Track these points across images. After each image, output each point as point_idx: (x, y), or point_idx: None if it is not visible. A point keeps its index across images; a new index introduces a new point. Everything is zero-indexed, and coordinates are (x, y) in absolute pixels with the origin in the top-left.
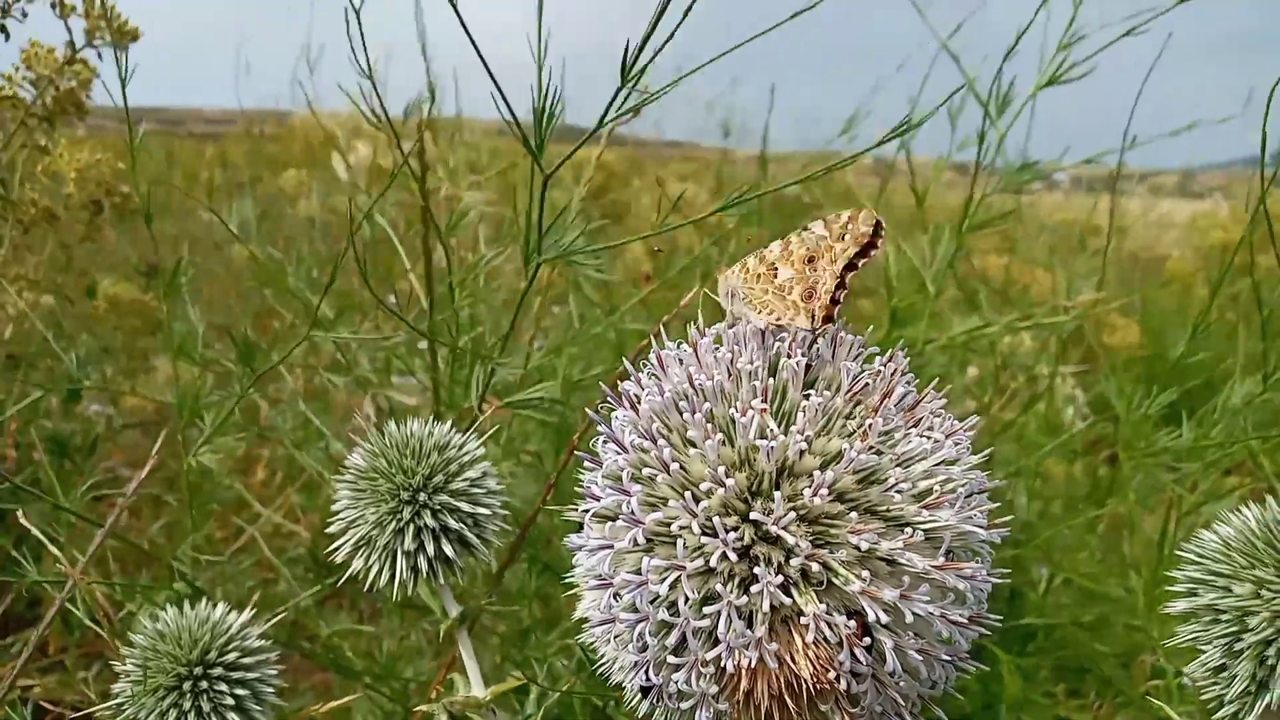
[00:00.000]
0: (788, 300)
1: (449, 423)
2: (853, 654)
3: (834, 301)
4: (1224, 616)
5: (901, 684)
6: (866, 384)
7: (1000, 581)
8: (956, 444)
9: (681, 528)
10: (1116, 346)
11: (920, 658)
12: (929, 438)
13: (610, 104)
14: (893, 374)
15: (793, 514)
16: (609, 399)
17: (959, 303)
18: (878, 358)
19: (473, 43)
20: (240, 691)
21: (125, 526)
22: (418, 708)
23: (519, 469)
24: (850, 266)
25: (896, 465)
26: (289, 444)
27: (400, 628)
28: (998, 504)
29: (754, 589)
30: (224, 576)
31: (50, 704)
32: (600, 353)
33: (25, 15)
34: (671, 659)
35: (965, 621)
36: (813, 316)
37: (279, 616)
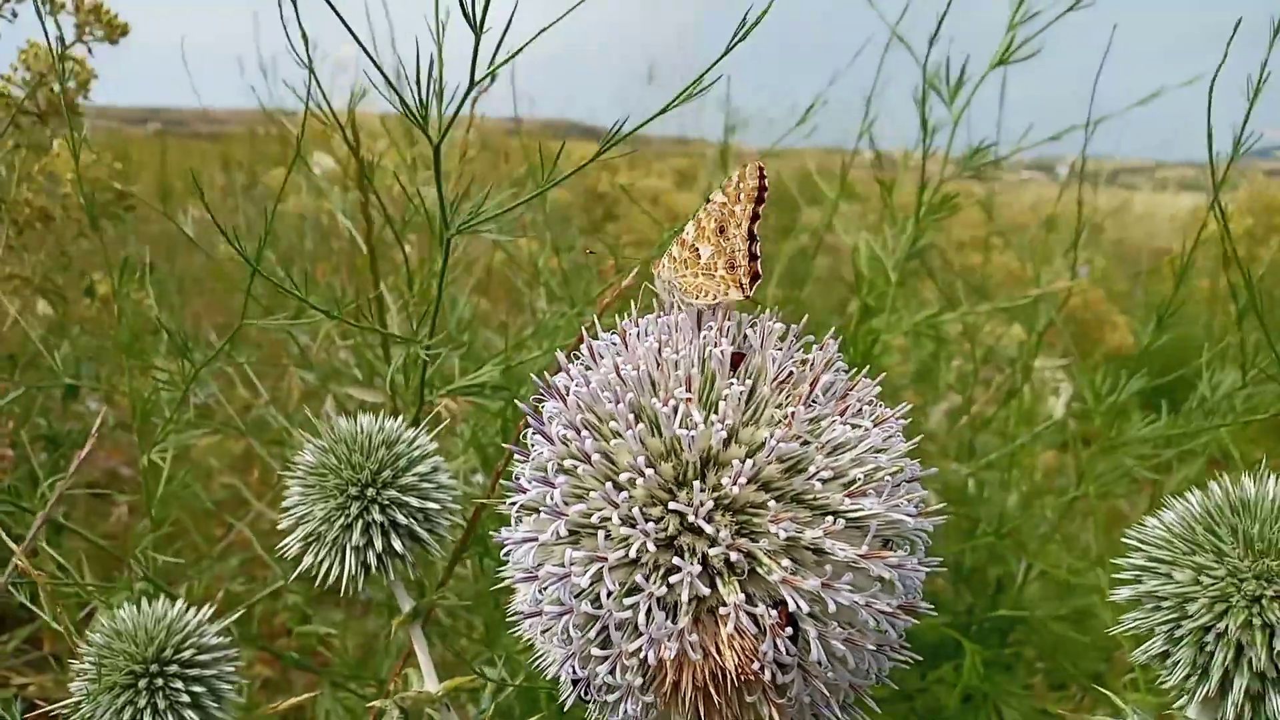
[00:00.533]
0: (716, 277)
1: (399, 417)
2: (776, 644)
3: (753, 258)
4: (1165, 603)
5: (830, 674)
6: (791, 373)
7: (934, 569)
8: (886, 432)
9: (603, 519)
10: (1115, 346)
11: (846, 647)
12: (856, 426)
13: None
14: (824, 363)
15: (712, 503)
16: (542, 392)
17: (941, 298)
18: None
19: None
20: (197, 688)
21: (124, 526)
22: (371, 703)
23: (480, 461)
24: (754, 217)
25: (824, 454)
26: (257, 443)
27: (389, 623)
28: (919, 489)
29: (673, 579)
30: (205, 573)
31: (44, 701)
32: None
33: (15, 15)
34: (596, 651)
35: (891, 610)
36: (741, 285)
37: (238, 613)
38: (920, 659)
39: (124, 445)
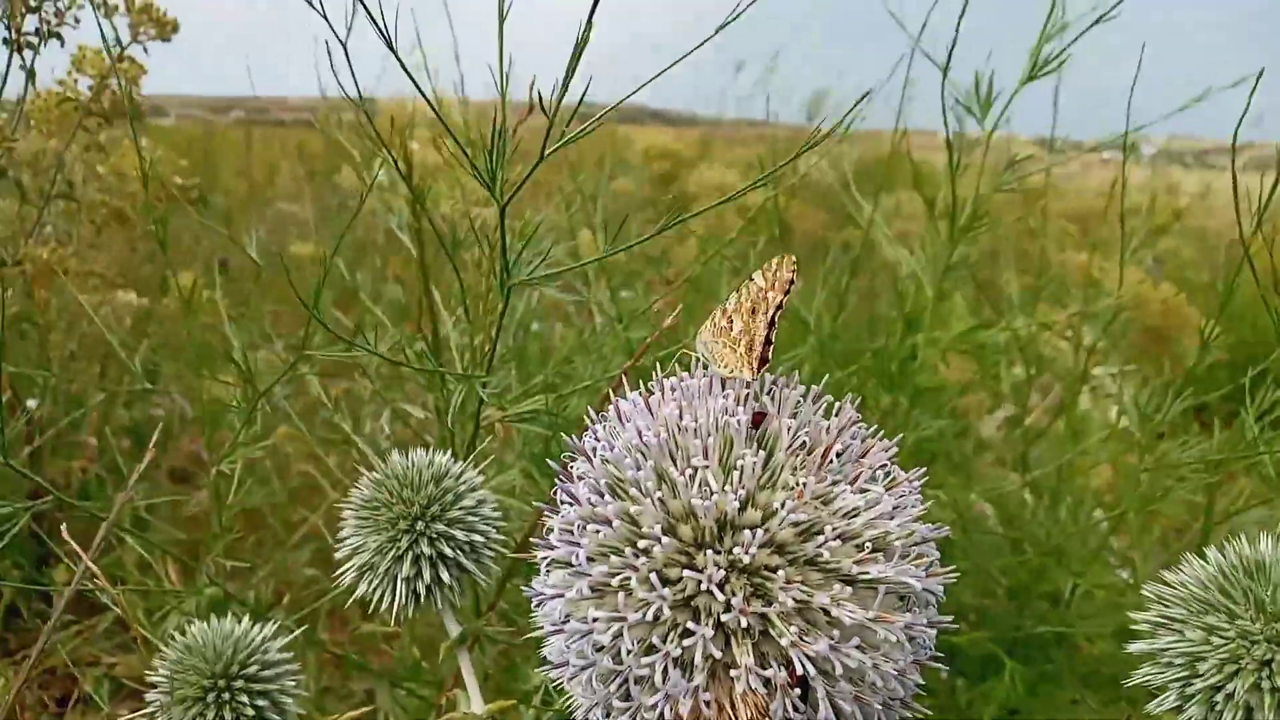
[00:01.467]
0: (738, 353)
1: (449, 450)
2: (786, 703)
3: (767, 342)
4: (1177, 661)
5: None
6: (805, 442)
7: (946, 626)
8: (897, 498)
9: (623, 582)
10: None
11: (855, 705)
12: (866, 491)
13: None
14: (838, 429)
15: (724, 573)
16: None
17: (989, 308)
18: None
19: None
20: (260, 702)
21: (206, 511)
22: None
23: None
24: (779, 307)
25: (836, 519)
26: (320, 450)
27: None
28: (932, 550)
29: (687, 642)
30: (281, 564)
31: (131, 680)
32: (615, 360)
33: (78, 21)
34: (618, 703)
35: (895, 672)
36: (751, 368)
37: (301, 630)
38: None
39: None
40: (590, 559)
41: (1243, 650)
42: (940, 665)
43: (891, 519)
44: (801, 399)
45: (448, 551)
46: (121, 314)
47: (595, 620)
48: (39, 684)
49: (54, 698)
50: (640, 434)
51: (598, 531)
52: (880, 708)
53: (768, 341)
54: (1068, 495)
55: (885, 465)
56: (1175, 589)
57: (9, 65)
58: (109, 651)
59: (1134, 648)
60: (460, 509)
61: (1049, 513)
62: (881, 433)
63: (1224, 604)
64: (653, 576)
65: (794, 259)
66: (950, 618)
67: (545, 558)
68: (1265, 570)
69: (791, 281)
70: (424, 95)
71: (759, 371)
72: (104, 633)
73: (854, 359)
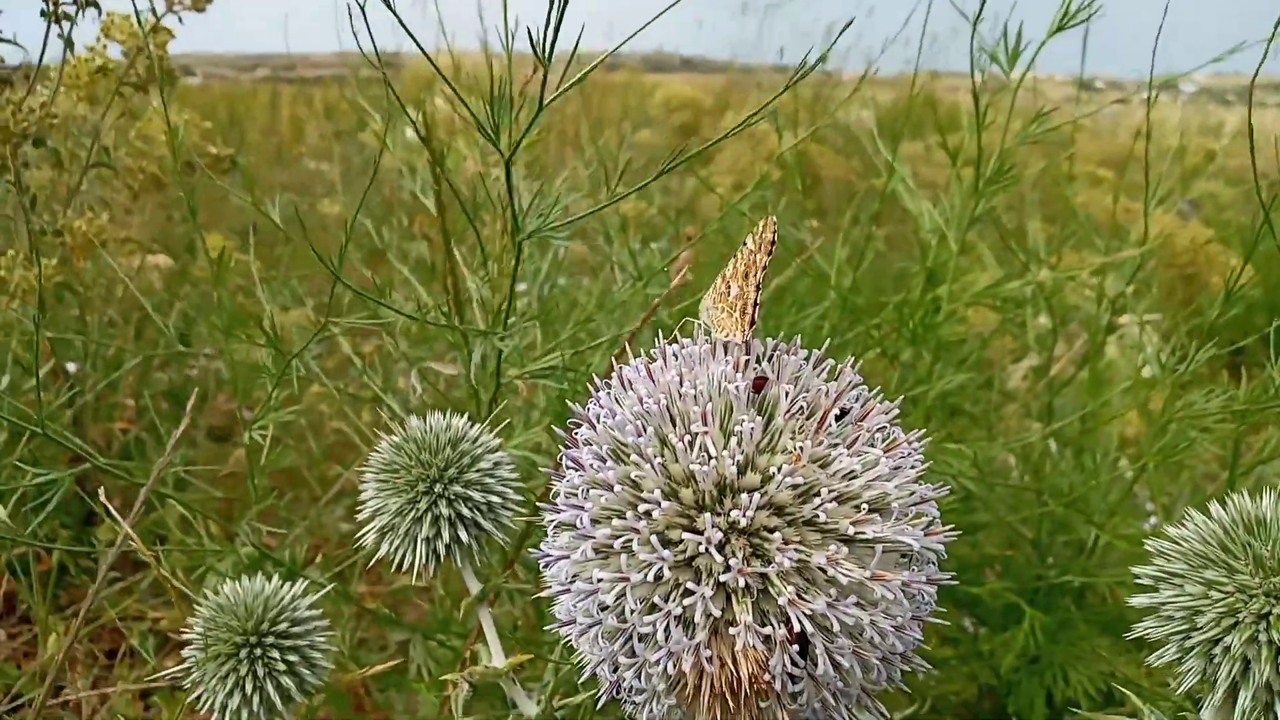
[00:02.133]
0: (734, 316)
1: (474, 408)
2: (786, 658)
3: (755, 305)
4: (1177, 615)
5: (838, 684)
6: (802, 407)
7: (944, 583)
8: (895, 459)
9: (625, 544)
10: (1216, 287)
11: (854, 659)
12: (864, 455)
13: None
14: (837, 393)
15: (722, 534)
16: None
17: (1013, 260)
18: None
19: None
20: (291, 658)
21: (244, 467)
22: (444, 677)
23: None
24: (764, 268)
25: (836, 479)
26: (350, 410)
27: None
28: (932, 509)
29: (688, 601)
30: (315, 521)
31: (175, 634)
32: (635, 315)
33: None
34: (623, 659)
35: (894, 629)
36: (743, 330)
37: (332, 586)
38: (931, 667)
39: (244, 391)
40: (594, 522)
41: (1240, 604)
42: (954, 617)
43: (890, 480)
44: (803, 363)
45: (465, 512)
46: (154, 275)
47: (600, 581)
48: (89, 638)
49: (103, 650)
50: (642, 400)
51: (601, 496)
52: (879, 662)
53: (755, 304)
54: (1092, 445)
55: (884, 427)
56: (1177, 544)
57: (48, 35)
58: (154, 606)
59: (1135, 601)
60: (477, 471)
61: (1073, 463)
62: (891, 391)
63: (1223, 559)
64: (654, 539)
65: (774, 219)
66: (950, 574)
67: (552, 521)
68: (1265, 526)
69: (774, 242)
70: (420, 47)
71: (748, 333)
72: (149, 588)
73: (876, 312)
